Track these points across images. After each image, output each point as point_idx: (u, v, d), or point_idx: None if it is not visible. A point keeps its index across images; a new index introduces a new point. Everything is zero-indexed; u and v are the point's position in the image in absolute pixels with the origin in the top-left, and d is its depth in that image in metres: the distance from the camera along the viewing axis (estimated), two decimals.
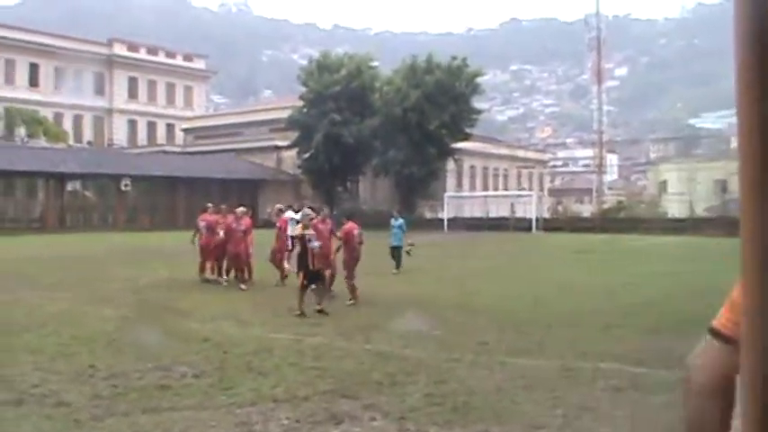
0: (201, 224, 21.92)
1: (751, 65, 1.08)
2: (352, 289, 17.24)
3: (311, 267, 15.76)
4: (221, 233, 20.82)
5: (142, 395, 8.87)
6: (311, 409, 8.33)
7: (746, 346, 1.18)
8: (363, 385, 9.44)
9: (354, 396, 8.91)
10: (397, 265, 24.54)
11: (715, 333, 1.92)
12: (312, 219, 16.54)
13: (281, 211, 22.18)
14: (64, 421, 7.86)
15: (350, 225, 18.13)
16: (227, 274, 21.17)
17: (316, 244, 15.99)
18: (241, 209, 21.36)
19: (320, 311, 15.31)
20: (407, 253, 24.88)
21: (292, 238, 23.95)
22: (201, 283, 21.22)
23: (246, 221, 20.87)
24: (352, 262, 17.61)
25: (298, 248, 16.34)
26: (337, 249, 17.78)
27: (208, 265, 21.78)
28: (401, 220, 25.66)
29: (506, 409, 8.46)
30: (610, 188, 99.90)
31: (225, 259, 21.19)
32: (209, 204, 23.51)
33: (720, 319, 1.92)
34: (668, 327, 13.69)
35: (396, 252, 24.83)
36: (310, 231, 16.02)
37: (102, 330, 13.29)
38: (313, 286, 15.89)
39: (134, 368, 10.27)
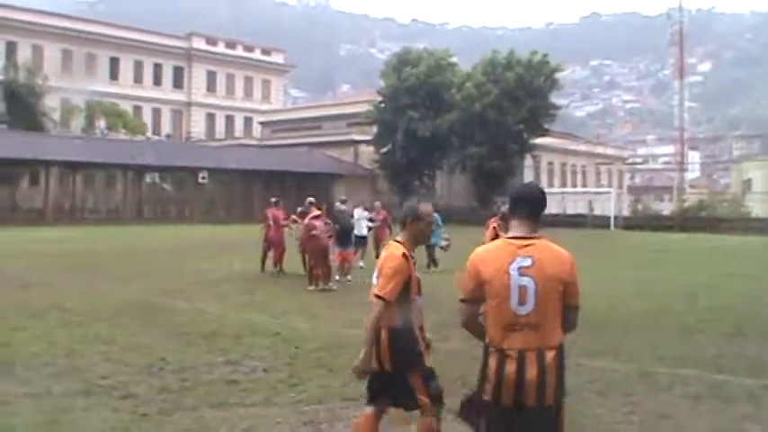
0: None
1: None
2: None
3: None
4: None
5: (210, 389, 8.77)
6: None
7: None
8: None
9: None
10: (435, 263, 23.01)
11: (463, 300, 4.77)
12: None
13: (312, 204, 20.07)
14: (130, 414, 7.80)
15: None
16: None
17: None
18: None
19: None
20: (443, 249, 23.22)
21: (359, 237, 23.91)
22: (276, 276, 21.24)
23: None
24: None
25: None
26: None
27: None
28: (435, 215, 24.07)
29: (580, 414, 8.11)
30: (691, 186, 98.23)
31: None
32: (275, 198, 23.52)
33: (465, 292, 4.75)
34: (749, 332, 13.24)
35: (430, 250, 22.90)
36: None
37: (174, 323, 13.27)
38: None
39: (204, 362, 10.20)
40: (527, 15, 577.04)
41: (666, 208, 72.68)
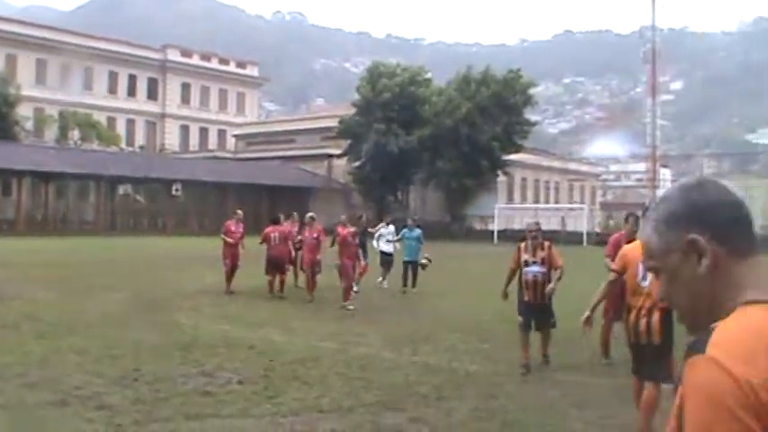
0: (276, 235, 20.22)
1: None
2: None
3: (528, 300, 11.53)
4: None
5: (185, 401, 8.77)
6: (356, 421, 8.16)
7: None
8: (410, 398, 9.25)
9: (400, 408, 8.72)
10: (413, 283, 21.62)
11: (614, 270, 8.19)
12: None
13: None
14: (105, 425, 7.79)
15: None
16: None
17: (535, 269, 11.52)
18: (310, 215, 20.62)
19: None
20: (422, 267, 21.76)
21: (385, 254, 23.24)
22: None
23: (318, 228, 19.83)
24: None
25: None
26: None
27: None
28: (418, 231, 22.50)
29: (556, 427, 8.22)
30: None
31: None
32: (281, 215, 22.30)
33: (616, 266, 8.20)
34: None
35: (410, 267, 21.75)
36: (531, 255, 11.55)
37: (147, 334, 13.23)
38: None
39: (178, 373, 10.20)
40: (501, 32, 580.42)
41: (637, 225, 73.02)
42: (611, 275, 8.16)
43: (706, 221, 1.70)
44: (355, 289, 18.97)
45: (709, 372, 1.50)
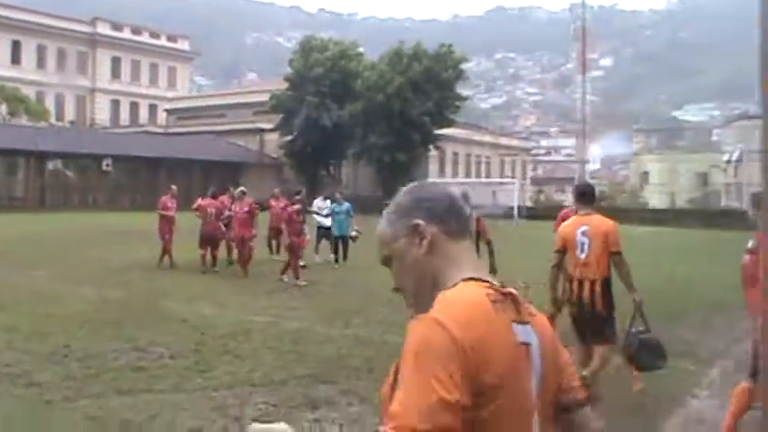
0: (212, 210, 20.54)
1: None
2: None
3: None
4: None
5: (116, 376, 8.75)
6: (288, 394, 8.23)
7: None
8: (341, 370, 9.34)
9: (332, 381, 8.81)
10: (344, 256, 21.94)
11: (557, 251, 8.03)
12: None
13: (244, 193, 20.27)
14: (35, 402, 7.76)
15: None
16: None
17: None
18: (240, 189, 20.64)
19: None
20: (353, 240, 21.80)
21: (323, 228, 23.23)
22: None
23: (249, 202, 19.90)
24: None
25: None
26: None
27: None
28: (347, 205, 22.59)
29: None
30: (592, 178, 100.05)
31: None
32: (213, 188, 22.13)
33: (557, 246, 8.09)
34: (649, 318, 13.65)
35: (341, 241, 22.10)
36: None
37: (78, 310, 13.15)
38: None
39: (109, 348, 10.14)
40: (433, 8, 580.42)
41: (568, 199, 73.91)
42: (554, 257, 8.04)
43: (426, 210, 2.12)
44: (302, 263, 19.04)
45: (431, 329, 1.80)
